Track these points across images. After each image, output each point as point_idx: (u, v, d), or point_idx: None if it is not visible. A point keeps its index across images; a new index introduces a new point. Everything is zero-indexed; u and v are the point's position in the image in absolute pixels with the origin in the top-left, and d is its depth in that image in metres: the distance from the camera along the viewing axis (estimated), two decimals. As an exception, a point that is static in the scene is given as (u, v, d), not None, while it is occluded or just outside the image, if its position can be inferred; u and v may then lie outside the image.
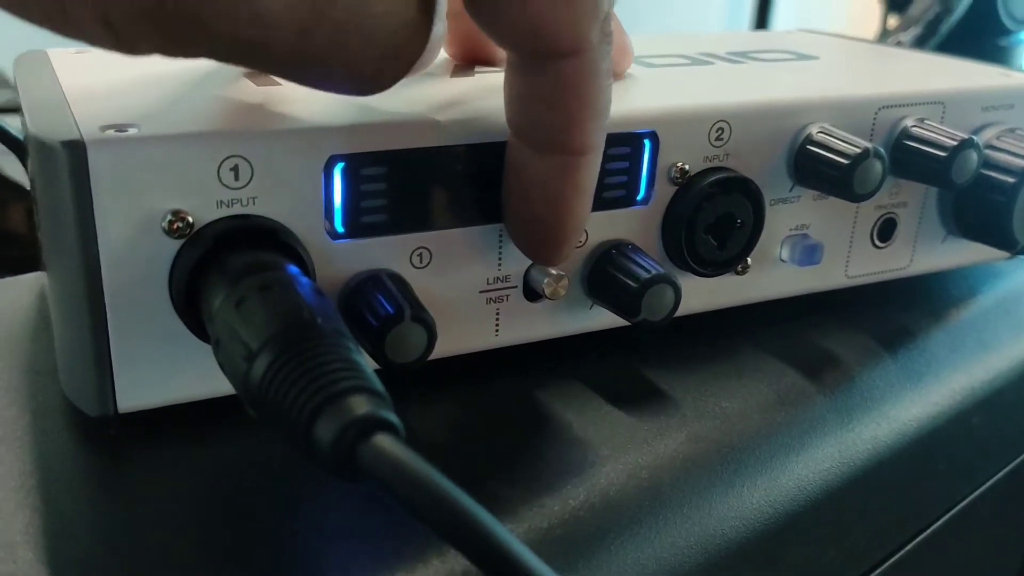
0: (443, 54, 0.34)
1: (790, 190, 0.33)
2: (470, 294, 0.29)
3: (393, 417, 0.19)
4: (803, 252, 0.34)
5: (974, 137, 0.32)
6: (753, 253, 0.33)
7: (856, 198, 0.31)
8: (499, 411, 0.29)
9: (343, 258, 0.27)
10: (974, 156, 0.32)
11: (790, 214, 0.34)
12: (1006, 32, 0.72)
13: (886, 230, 0.36)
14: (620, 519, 0.25)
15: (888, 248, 0.36)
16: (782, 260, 0.34)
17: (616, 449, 0.27)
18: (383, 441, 0.18)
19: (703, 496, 0.27)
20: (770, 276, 0.34)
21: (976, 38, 0.72)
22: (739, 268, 0.33)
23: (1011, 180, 0.34)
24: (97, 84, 0.28)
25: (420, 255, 0.28)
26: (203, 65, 0.28)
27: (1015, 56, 0.75)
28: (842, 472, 0.30)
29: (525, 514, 0.24)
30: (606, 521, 0.25)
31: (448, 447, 0.27)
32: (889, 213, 0.36)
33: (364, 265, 0.27)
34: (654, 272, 0.29)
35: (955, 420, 0.35)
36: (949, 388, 0.35)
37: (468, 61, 0.34)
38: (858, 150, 0.30)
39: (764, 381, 0.31)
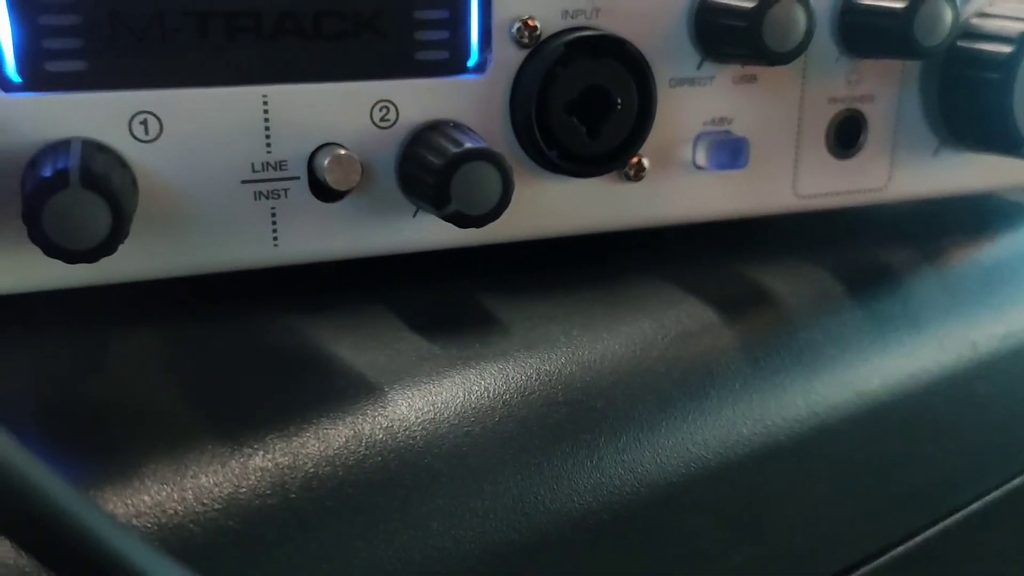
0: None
1: (698, 67, 0.25)
2: (227, 185, 0.21)
3: None
4: (721, 151, 0.25)
5: (945, -18, 0.24)
6: (650, 152, 0.25)
7: (773, 58, 0.23)
8: (256, 337, 0.21)
9: (23, 119, 0.19)
10: (947, 9, 0.24)
11: (703, 101, 0.25)
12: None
13: (848, 133, 0.27)
14: (394, 476, 0.17)
15: (855, 159, 0.27)
16: (697, 166, 0.26)
17: (401, 382, 0.19)
18: None
19: (517, 453, 0.18)
20: (680, 187, 0.26)
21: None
22: (630, 171, 0.25)
23: (1007, 50, 0.25)
24: None
25: (144, 123, 0.20)
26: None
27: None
28: (759, 448, 0.21)
29: (271, 462, 0.17)
30: (369, 476, 0.17)
31: (185, 379, 0.19)
32: (850, 109, 0.27)
33: (56, 131, 0.20)
34: (469, 145, 0.21)
35: (949, 384, 0.26)
36: (937, 341, 0.26)
37: None
38: (768, -12, 0.22)
39: (650, 313, 0.23)
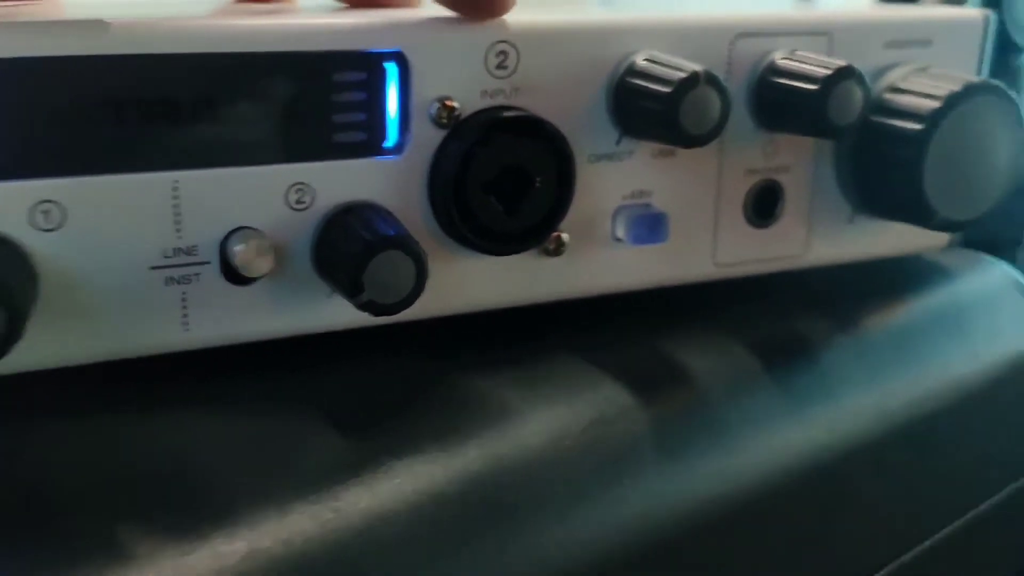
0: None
1: (617, 142, 0.25)
2: (136, 272, 0.21)
3: None
4: (641, 226, 0.25)
5: (855, 65, 0.24)
6: (570, 227, 0.25)
7: (689, 141, 0.23)
8: (145, 434, 0.20)
9: (-84, 210, 0.19)
10: (857, 90, 0.24)
11: (622, 176, 0.25)
12: (1016, 49, 0.62)
13: (765, 203, 0.28)
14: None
15: (773, 228, 0.28)
16: (616, 239, 0.26)
17: (303, 488, 0.18)
18: None
19: (429, 559, 0.18)
20: (600, 260, 0.26)
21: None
22: (550, 246, 0.25)
23: (918, 127, 0.26)
24: None
25: (46, 213, 0.20)
26: None
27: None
28: (671, 532, 0.21)
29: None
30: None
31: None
32: (767, 179, 0.27)
33: (-48, 222, 0.19)
34: (382, 233, 0.21)
35: (863, 454, 0.26)
36: (850, 411, 0.26)
37: None
38: (683, 74, 0.22)
39: (567, 397, 0.22)
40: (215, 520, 0.17)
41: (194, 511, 0.18)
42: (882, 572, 0.27)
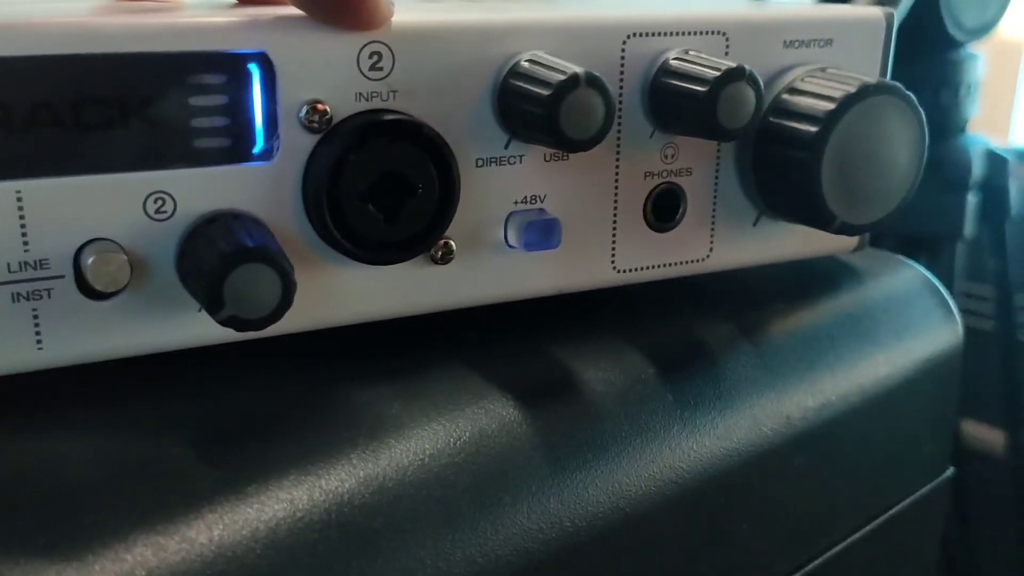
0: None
1: (506, 146, 0.24)
2: (-20, 287, 0.20)
3: None
4: (533, 231, 0.25)
5: (746, 66, 0.23)
6: (458, 234, 0.24)
7: (571, 145, 0.22)
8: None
9: None
10: (749, 92, 0.23)
11: (512, 180, 0.25)
12: (954, 44, 0.62)
13: (666, 206, 0.27)
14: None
15: (675, 232, 0.27)
16: (509, 245, 0.25)
17: (144, 525, 0.17)
18: None
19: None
20: (492, 267, 0.25)
21: (920, 53, 0.62)
22: (437, 254, 0.24)
23: (814, 129, 0.25)
24: None
25: None
26: None
27: (966, 72, 0.65)
28: (555, 550, 0.20)
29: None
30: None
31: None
32: (667, 183, 0.27)
33: None
34: (243, 245, 0.20)
35: (764, 461, 0.25)
36: (751, 419, 0.25)
37: None
38: (563, 76, 0.22)
39: (447, 411, 0.21)
40: (50, 549, 0.16)
41: (28, 540, 0.16)
42: (788, 582, 0.27)
